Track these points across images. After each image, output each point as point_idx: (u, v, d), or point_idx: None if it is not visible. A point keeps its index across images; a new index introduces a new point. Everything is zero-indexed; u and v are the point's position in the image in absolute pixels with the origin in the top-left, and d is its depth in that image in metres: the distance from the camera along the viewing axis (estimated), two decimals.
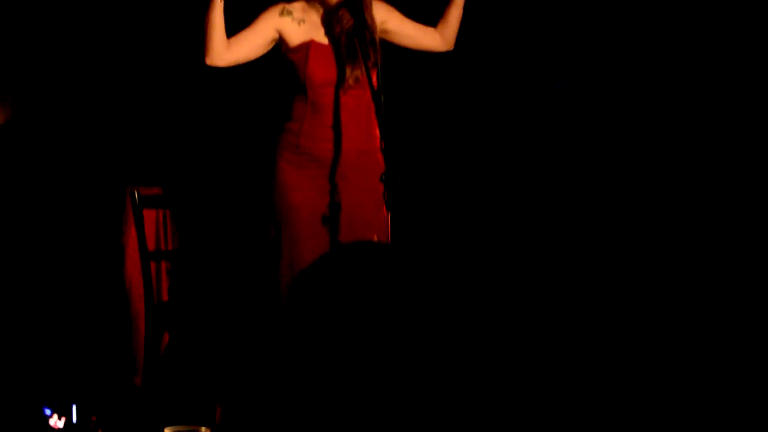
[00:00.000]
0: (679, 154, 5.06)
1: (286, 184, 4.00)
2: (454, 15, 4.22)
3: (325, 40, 4.05)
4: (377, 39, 4.01)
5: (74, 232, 5.08)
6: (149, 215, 4.75)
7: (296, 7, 4.07)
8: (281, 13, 4.04)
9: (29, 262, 4.99)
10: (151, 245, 4.72)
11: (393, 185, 3.74)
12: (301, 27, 4.04)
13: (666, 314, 4.97)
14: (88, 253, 5.04)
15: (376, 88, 3.84)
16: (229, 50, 3.92)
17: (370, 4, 4.06)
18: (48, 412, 3.61)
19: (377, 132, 3.99)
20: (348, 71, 4.00)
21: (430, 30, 4.25)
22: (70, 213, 5.11)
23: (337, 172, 4.01)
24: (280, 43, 4.05)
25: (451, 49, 4.31)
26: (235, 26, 4.04)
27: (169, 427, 3.47)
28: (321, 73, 3.99)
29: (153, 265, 4.69)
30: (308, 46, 4.01)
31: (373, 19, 4.05)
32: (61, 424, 3.57)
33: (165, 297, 4.94)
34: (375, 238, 3.93)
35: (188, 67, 5.11)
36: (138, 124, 5.30)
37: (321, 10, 4.08)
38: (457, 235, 5.29)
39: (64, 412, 3.63)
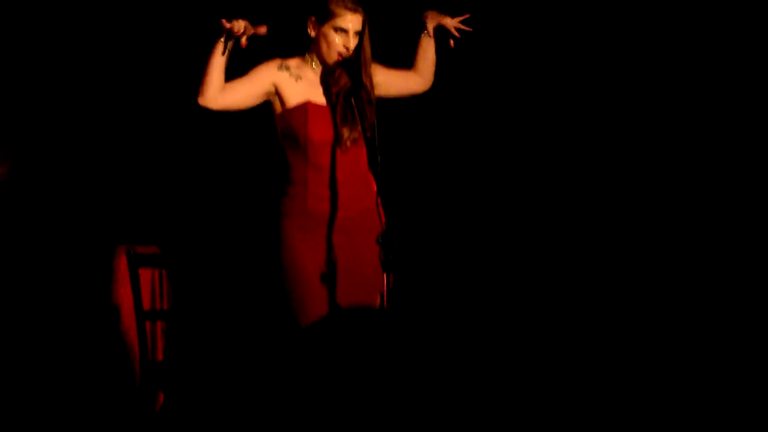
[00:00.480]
0: (678, 154, 5.10)
1: (296, 249, 3.97)
2: (428, 53, 4.26)
3: (322, 100, 4.05)
4: (374, 99, 4.03)
5: (70, 290, 5.06)
6: (145, 274, 4.73)
7: (293, 63, 4.09)
8: (279, 68, 4.06)
9: (24, 318, 4.96)
10: (146, 304, 4.69)
11: (390, 246, 3.72)
12: (299, 84, 4.05)
13: (666, 314, 5.03)
14: (83, 312, 5.00)
15: (373, 148, 3.85)
16: (223, 94, 3.93)
17: (369, 65, 4.08)
18: None
19: (375, 189, 3.99)
20: (346, 133, 4.01)
21: (411, 74, 4.29)
22: (67, 271, 5.10)
23: (339, 230, 4.00)
24: (274, 101, 4.05)
25: (428, 89, 4.33)
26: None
27: None
28: (320, 133, 4.00)
29: (148, 324, 4.66)
30: (306, 107, 4.01)
31: (370, 80, 4.07)
32: None
33: (160, 356, 4.90)
34: (377, 298, 3.92)
35: (186, 125, 5.20)
36: (135, 183, 5.30)
37: (317, 68, 4.10)
38: (454, 287, 5.31)
39: None
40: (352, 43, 4.02)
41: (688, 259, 5.05)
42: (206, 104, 3.90)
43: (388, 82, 4.17)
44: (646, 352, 5.04)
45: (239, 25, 3.81)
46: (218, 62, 3.87)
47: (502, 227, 5.36)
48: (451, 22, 4.26)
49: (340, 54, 4.02)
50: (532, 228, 5.32)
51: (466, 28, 4.27)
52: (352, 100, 4.00)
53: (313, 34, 4.07)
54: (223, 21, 3.82)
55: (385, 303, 3.72)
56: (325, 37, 4.03)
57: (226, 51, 3.86)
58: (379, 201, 3.90)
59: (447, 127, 5.30)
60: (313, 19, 4.06)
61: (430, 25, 4.26)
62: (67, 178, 5.23)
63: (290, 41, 4.12)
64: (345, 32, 4.01)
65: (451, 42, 4.28)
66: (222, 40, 3.85)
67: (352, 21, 4.02)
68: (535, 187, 5.35)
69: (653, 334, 5.06)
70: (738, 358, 4.87)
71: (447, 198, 5.41)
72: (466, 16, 4.27)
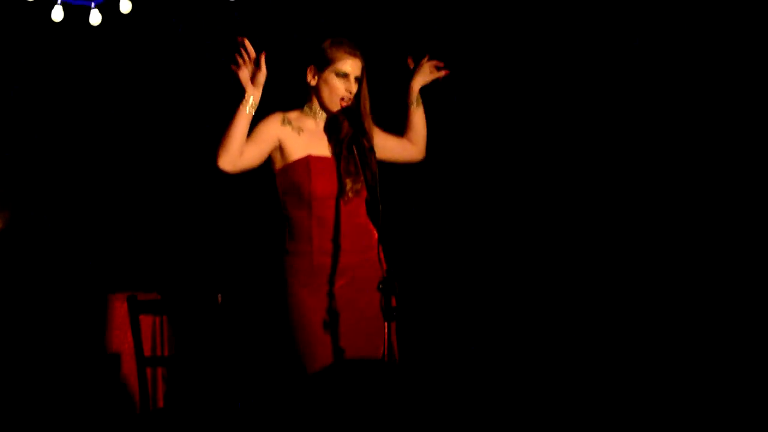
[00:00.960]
0: (677, 155, 5.08)
1: (302, 301, 3.94)
2: (417, 124, 4.27)
3: (322, 152, 4.02)
4: (374, 148, 4.00)
5: (70, 336, 5.06)
6: (146, 321, 4.73)
7: (293, 116, 4.06)
8: (282, 123, 4.02)
9: (25, 365, 4.96)
10: (147, 350, 4.68)
11: (390, 294, 3.72)
12: (300, 137, 4.02)
13: (666, 314, 5.01)
14: (83, 359, 5.00)
15: (375, 197, 3.83)
16: (241, 157, 3.92)
17: (368, 113, 4.08)
18: None
19: (375, 237, 3.98)
20: (349, 184, 3.99)
21: (406, 142, 4.24)
22: (66, 317, 5.10)
23: (343, 280, 3.99)
24: (275, 156, 4.00)
25: (423, 158, 4.32)
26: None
27: None
28: (323, 187, 3.96)
29: (149, 370, 4.66)
30: (308, 161, 3.97)
31: (371, 127, 4.07)
32: None
33: (161, 403, 4.89)
34: (380, 347, 3.90)
35: (186, 172, 5.22)
36: (137, 230, 5.31)
37: (317, 118, 4.08)
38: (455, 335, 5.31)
39: None
40: (354, 87, 4.03)
41: (688, 260, 5.03)
42: (226, 168, 3.86)
43: (384, 146, 4.11)
44: (646, 352, 5.05)
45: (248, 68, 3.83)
46: (242, 126, 3.84)
47: (502, 275, 5.36)
48: (429, 73, 4.25)
49: (342, 99, 4.01)
50: (532, 278, 5.31)
51: (442, 66, 4.25)
52: (355, 150, 4.01)
53: (313, 82, 4.05)
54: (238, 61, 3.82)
55: (385, 352, 3.72)
56: (327, 82, 4.01)
57: (251, 108, 3.86)
58: (380, 249, 3.90)
59: (444, 173, 5.31)
60: (313, 66, 4.05)
61: (413, 96, 4.24)
62: (67, 226, 5.27)
63: (287, 94, 4.12)
64: (346, 77, 4.01)
65: (439, 74, 4.24)
66: (245, 101, 3.84)
67: (352, 65, 4.02)
68: (533, 235, 5.35)
69: (653, 335, 5.05)
70: (738, 358, 4.85)
71: (447, 243, 5.45)
72: (441, 64, 4.24)
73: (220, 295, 4.50)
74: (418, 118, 4.27)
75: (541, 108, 5.31)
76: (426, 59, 4.27)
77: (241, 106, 3.87)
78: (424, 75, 4.27)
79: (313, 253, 3.96)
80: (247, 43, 3.83)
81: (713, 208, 4.99)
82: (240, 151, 3.88)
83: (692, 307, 4.99)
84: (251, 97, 3.87)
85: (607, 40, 5.13)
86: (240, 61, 3.85)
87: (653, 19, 5.07)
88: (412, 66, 4.29)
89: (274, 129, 4.00)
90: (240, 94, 3.86)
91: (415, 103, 4.27)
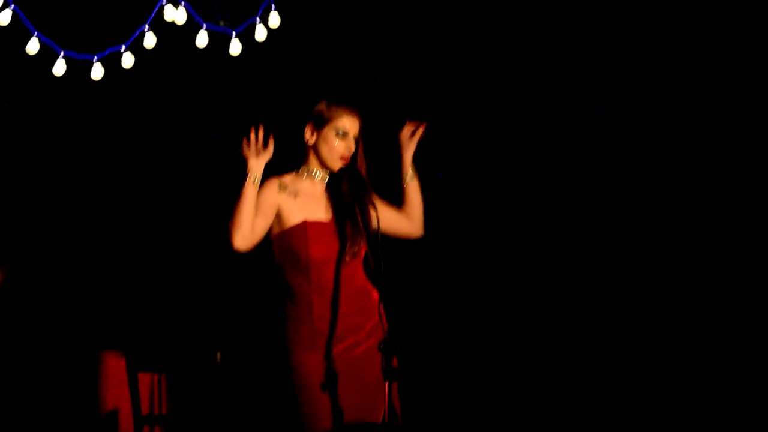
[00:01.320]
0: (677, 156, 5.07)
1: (306, 367, 3.89)
2: (412, 199, 4.19)
3: (320, 216, 3.97)
4: (375, 205, 3.95)
5: (66, 394, 5.02)
6: (143, 378, 4.68)
7: (288, 180, 4.01)
8: (279, 189, 3.98)
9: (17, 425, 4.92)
10: (144, 409, 4.63)
11: (391, 353, 3.68)
12: (297, 201, 3.97)
13: (666, 314, 5.02)
14: (80, 418, 4.96)
15: (377, 257, 3.79)
16: (252, 233, 3.88)
17: (364, 169, 4.04)
18: None
19: (375, 298, 3.94)
20: (348, 246, 3.95)
21: (403, 216, 4.17)
22: (63, 375, 5.08)
23: (344, 343, 3.95)
24: (273, 221, 3.98)
25: (422, 234, 4.26)
26: None
27: None
28: (321, 252, 3.92)
29: (146, 429, 4.60)
30: (305, 226, 3.93)
31: (369, 186, 4.03)
32: None
33: None
34: (381, 410, 3.85)
35: (183, 232, 5.27)
36: (133, 290, 5.31)
37: (314, 179, 4.03)
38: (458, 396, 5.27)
39: None
40: (353, 146, 3.99)
41: (688, 260, 5.04)
42: (242, 247, 3.81)
43: (382, 217, 3.99)
44: (646, 353, 5.06)
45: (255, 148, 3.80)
46: (251, 201, 3.81)
47: (505, 332, 5.35)
48: (410, 138, 4.15)
49: (342, 157, 3.97)
50: (537, 338, 5.31)
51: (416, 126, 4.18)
52: (357, 209, 3.97)
53: (312, 140, 4.00)
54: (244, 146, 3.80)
55: (386, 414, 3.67)
56: (326, 141, 3.97)
57: (256, 183, 3.82)
58: (381, 309, 3.87)
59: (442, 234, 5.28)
60: (311, 124, 4.02)
61: (405, 168, 4.17)
62: (61, 282, 5.25)
63: (284, 157, 4.09)
64: (346, 136, 3.98)
65: (419, 132, 4.15)
66: (250, 177, 3.81)
67: (352, 124, 3.98)
68: (534, 292, 5.35)
69: (653, 335, 5.07)
70: (738, 359, 4.87)
71: (448, 300, 5.44)
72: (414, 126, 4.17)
73: (219, 353, 4.46)
74: (412, 191, 4.19)
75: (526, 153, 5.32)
76: (404, 131, 4.17)
77: (247, 183, 3.83)
78: (409, 143, 4.17)
79: (313, 320, 3.91)
80: (261, 129, 3.81)
81: (713, 208, 4.99)
82: (252, 227, 3.84)
83: (692, 307, 4.99)
84: (256, 174, 3.83)
85: (604, 41, 5.16)
86: (248, 141, 3.82)
87: (653, 20, 5.08)
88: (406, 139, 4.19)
89: (273, 197, 3.96)
90: (242, 167, 3.83)
91: (408, 177, 4.19)
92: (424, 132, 4.16)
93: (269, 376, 4.08)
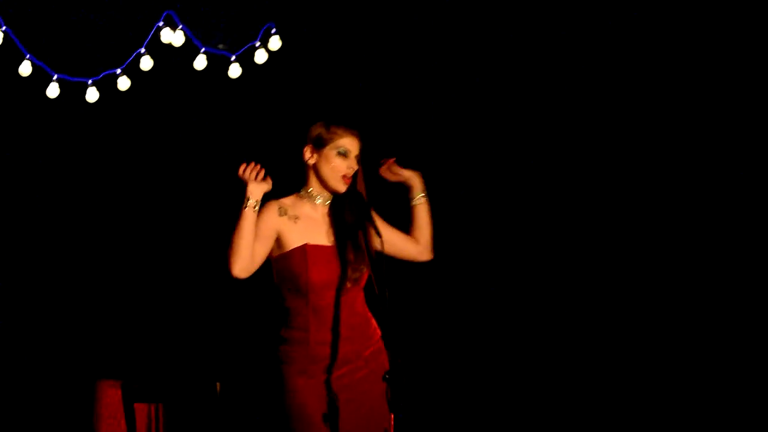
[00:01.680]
0: (676, 156, 5.03)
1: (298, 390, 3.82)
2: (420, 221, 4.12)
3: (321, 239, 3.89)
4: (378, 228, 3.88)
5: (64, 426, 4.96)
6: (140, 408, 4.61)
7: (288, 203, 3.92)
8: (279, 213, 3.89)
9: None
10: None
11: (397, 385, 3.61)
12: (297, 225, 3.88)
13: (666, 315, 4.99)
14: None
15: (382, 283, 3.71)
16: (252, 261, 3.80)
17: (365, 191, 3.97)
18: None
19: (374, 325, 3.88)
20: (349, 272, 3.88)
21: (410, 239, 4.01)
22: (57, 405, 5.01)
23: (342, 371, 3.88)
24: (273, 246, 3.91)
25: (431, 258, 4.17)
26: None
27: None
28: (321, 276, 3.83)
29: None
30: (305, 249, 3.84)
31: (371, 209, 3.96)
32: None
33: None
34: None
35: (181, 262, 5.20)
36: (130, 318, 5.25)
37: (315, 202, 3.96)
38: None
39: None
40: (355, 165, 3.93)
41: (688, 260, 4.98)
42: (241, 276, 3.71)
43: (386, 237, 3.86)
44: (646, 353, 5.02)
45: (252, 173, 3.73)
46: (250, 228, 3.73)
47: (509, 360, 5.29)
48: (389, 171, 4.11)
49: (345, 177, 3.91)
50: (540, 372, 5.25)
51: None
52: (360, 235, 3.90)
53: (312, 161, 3.92)
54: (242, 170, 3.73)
55: None
56: (328, 161, 3.89)
57: (256, 208, 3.75)
58: (378, 338, 3.81)
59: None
60: (311, 146, 3.96)
61: (413, 191, 4.04)
62: (56, 311, 5.20)
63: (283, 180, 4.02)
64: (347, 155, 3.92)
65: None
66: (248, 203, 3.73)
67: (352, 143, 3.91)
68: (536, 325, 5.28)
69: (653, 336, 5.02)
70: (738, 359, 4.83)
71: (449, 328, 5.34)
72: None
73: (219, 383, 4.41)
74: (420, 213, 4.10)
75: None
76: (381, 170, 4.12)
77: (246, 209, 3.74)
78: (393, 174, 4.12)
79: (310, 343, 3.82)
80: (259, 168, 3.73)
81: (713, 208, 4.95)
82: (252, 255, 3.75)
83: (692, 307, 4.95)
84: (256, 199, 3.74)
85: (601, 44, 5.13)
86: (248, 169, 3.74)
87: (652, 20, 5.05)
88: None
89: (273, 222, 3.86)
90: (240, 191, 3.74)
91: (414, 199, 4.12)
92: (396, 161, 4.10)
93: (270, 407, 3.99)
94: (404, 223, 4.03)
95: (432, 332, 5.29)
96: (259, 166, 3.72)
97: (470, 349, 5.31)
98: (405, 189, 4.07)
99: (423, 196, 4.05)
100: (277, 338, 3.83)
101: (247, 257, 3.69)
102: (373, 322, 3.86)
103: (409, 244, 4.03)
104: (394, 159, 4.06)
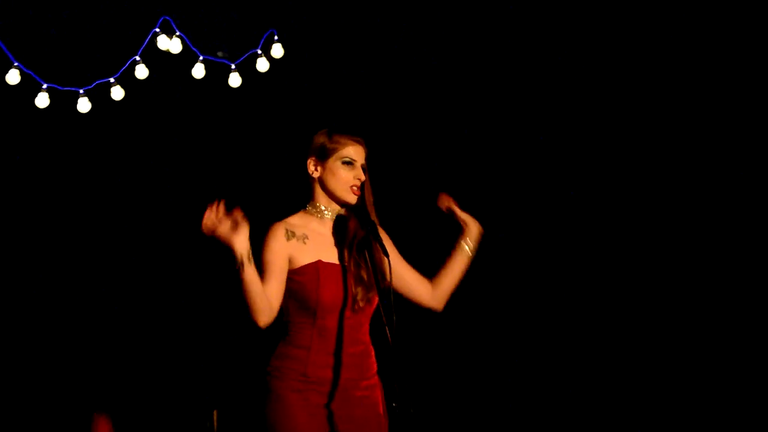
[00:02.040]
0: (676, 157, 5.03)
1: (291, 412, 3.64)
2: (456, 269, 3.88)
3: (331, 257, 3.71)
4: (386, 249, 3.68)
5: None
6: None
7: (296, 223, 3.71)
8: (287, 237, 3.69)
9: None
10: None
11: (405, 415, 3.42)
12: (307, 245, 3.69)
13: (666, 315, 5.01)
14: None
15: (389, 310, 3.51)
16: (272, 307, 3.61)
17: (373, 209, 3.78)
18: None
19: (374, 361, 3.69)
20: (360, 293, 3.67)
21: (425, 281, 3.86)
22: None
23: (338, 399, 3.69)
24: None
25: (440, 310, 3.94)
26: None
27: None
28: (331, 295, 3.63)
29: None
30: (317, 267, 3.65)
31: (379, 226, 3.77)
32: None
33: None
34: None
35: (176, 291, 5.08)
36: (124, 350, 5.09)
37: (322, 217, 3.77)
38: None
39: None
40: (362, 175, 3.73)
41: (688, 260, 4.97)
42: (267, 322, 3.56)
43: (396, 270, 3.64)
44: (646, 353, 5.02)
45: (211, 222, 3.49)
46: (255, 285, 3.52)
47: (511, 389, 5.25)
48: (447, 207, 3.90)
49: (354, 187, 3.71)
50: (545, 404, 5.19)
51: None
52: (366, 254, 3.70)
53: (316, 173, 3.73)
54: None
55: None
56: (333, 172, 3.70)
57: (251, 259, 3.53)
58: (376, 374, 3.61)
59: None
60: (314, 158, 3.76)
61: (467, 239, 3.75)
62: (52, 344, 5.04)
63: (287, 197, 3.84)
64: (353, 164, 3.72)
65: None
66: (239, 259, 3.50)
67: (357, 152, 3.72)
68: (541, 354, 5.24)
69: (653, 336, 5.02)
70: (738, 359, 4.83)
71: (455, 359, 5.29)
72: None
73: (216, 410, 4.27)
74: (458, 260, 3.88)
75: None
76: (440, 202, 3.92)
77: (241, 267, 3.50)
78: (451, 211, 3.92)
79: (308, 363, 3.62)
80: (222, 204, 3.45)
81: (712, 209, 4.96)
82: (269, 301, 3.54)
83: (692, 307, 4.96)
84: (245, 252, 3.50)
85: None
86: (211, 218, 3.47)
87: (652, 20, 5.04)
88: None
89: (282, 250, 3.64)
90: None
91: (463, 243, 3.88)
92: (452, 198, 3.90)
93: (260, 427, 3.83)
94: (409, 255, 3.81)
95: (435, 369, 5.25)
96: (219, 203, 3.46)
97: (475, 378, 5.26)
98: (422, 217, 3.90)
99: (472, 247, 3.81)
100: (273, 352, 3.63)
101: (265, 308, 3.48)
102: (373, 355, 3.67)
103: (422, 285, 3.78)
104: (452, 199, 3.85)
